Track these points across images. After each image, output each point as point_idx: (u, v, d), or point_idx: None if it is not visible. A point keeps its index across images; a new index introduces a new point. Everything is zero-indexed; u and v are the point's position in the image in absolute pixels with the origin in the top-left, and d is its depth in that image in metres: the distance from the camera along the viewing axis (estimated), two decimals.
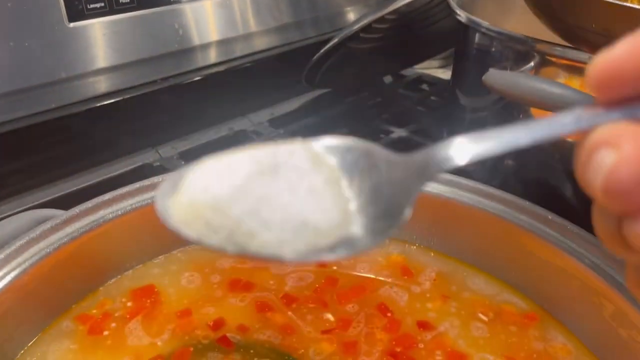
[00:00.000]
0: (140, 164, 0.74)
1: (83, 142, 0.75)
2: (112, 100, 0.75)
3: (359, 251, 0.24)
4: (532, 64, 0.53)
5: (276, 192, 0.25)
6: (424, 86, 0.99)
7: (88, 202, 0.48)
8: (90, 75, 0.73)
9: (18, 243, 0.44)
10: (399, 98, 0.95)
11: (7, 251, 0.43)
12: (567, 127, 0.21)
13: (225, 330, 0.45)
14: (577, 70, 0.50)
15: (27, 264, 0.43)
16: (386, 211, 0.24)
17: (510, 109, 0.61)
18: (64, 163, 0.70)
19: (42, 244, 0.45)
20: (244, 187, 0.25)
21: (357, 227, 0.24)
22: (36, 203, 0.62)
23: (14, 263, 0.43)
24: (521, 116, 0.58)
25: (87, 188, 0.67)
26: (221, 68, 0.86)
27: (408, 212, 0.24)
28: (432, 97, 0.94)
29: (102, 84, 0.75)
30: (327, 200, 0.25)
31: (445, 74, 1.02)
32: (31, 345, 0.43)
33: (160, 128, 0.81)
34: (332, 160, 0.26)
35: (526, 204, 0.48)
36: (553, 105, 0.42)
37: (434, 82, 0.99)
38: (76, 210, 0.47)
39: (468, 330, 0.46)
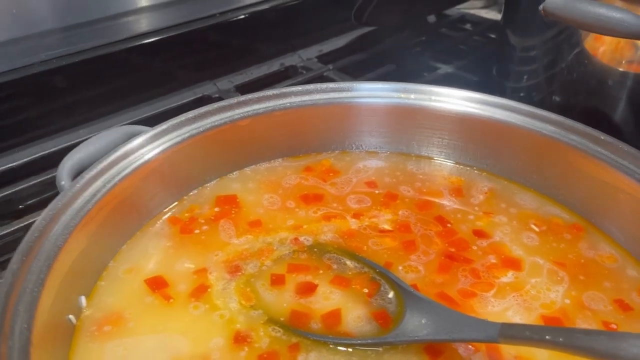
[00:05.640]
0: (200, 95, 0.79)
1: (147, 74, 0.80)
2: (164, 36, 0.80)
3: None
4: None
5: None
6: (467, 25, 1.01)
7: (173, 119, 0.52)
8: (140, 12, 0.77)
9: (114, 155, 0.48)
10: (443, 37, 0.97)
11: (104, 162, 0.47)
12: None
13: (298, 234, 0.50)
14: None
15: (122, 174, 0.48)
16: None
17: (561, 48, 0.63)
18: (138, 91, 0.75)
19: (132, 157, 0.49)
20: None
21: None
22: (117, 125, 0.67)
23: (110, 173, 0.48)
24: (569, 57, 0.61)
25: (158, 114, 0.72)
26: (266, 6, 0.89)
27: None
28: (475, 37, 0.96)
29: (152, 21, 0.79)
30: None
31: (489, 14, 1.04)
32: (125, 246, 0.48)
33: (216, 63, 0.85)
34: None
35: (577, 125, 0.52)
36: (612, 30, 0.45)
37: (478, 21, 1.01)
38: (163, 125, 0.52)
39: (520, 239, 0.50)
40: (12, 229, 0.53)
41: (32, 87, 0.67)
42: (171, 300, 0.44)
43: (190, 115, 0.53)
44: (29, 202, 0.61)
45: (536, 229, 0.51)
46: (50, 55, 0.68)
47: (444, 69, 0.83)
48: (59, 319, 0.40)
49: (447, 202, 0.55)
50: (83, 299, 0.43)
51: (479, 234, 0.51)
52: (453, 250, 0.49)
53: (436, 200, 0.55)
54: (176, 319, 0.43)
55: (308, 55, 0.91)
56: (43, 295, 0.37)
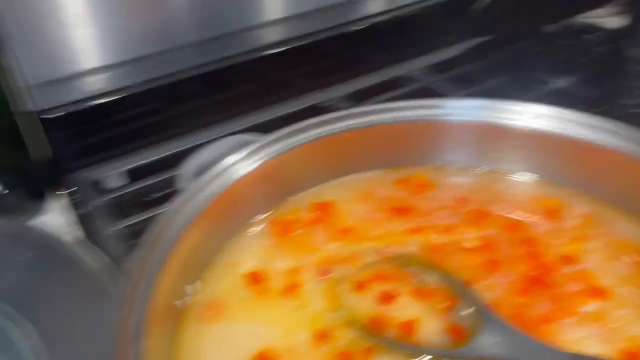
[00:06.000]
0: (312, 103, 0.84)
1: (266, 82, 0.87)
2: (286, 47, 0.86)
3: None
4: None
5: None
6: (588, 36, 0.96)
7: (282, 129, 0.58)
8: (267, 25, 0.84)
9: (228, 161, 0.55)
10: (559, 48, 0.94)
11: (220, 167, 0.54)
12: None
13: (384, 245, 0.53)
14: None
15: (233, 179, 0.54)
16: None
17: None
18: (255, 98, 0.82)
19: (243, 164, 0.55)
20: None
21: None
22: (234, 130, 0.74)
23: (224, 176, 0.54)
24: None
25: (268, 122, 0.79)
26: (385, 17, 0.92)
27: None
28: (595, 49, 0.92)
29: (276, 33, 0.85)
30: None
31: (613, 23, 0.98)
32: (230, 242, 0.54)
33: (330, 72, 0.90)
34: None
35: None
36: None
37: (599, 31, 0.96)
38: (272, 136, 0.57)
39: (612, 268, 0.50)
40: (140, 219, 0.63)
41: (164, 95, 0.76)
42: (265, 295, 0.50)
43: (297, 127, 0.58)
44: (154, 196, 0.70)
45: (632, 259, 0.50)
46: (183, 67, 0.77)
47: (556, 83, 0.81)
48: (170, 302, 0.47)
49: (538, 224, 0.55)
50: (192, 287, 0.50)
51: (567, 259, 0.51)
52: (537, 273, 0.49)
53: (527, 221, 0.55)
54: (268, 311, 0.48)
55: (419, 65, 0.92)
56: (160, 281, 0.44)
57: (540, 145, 0.58)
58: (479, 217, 0.56)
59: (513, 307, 0.47)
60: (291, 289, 0.50)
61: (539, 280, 0.49)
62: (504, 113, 0.58)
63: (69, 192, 0.68)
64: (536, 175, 0.59)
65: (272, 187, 0.58)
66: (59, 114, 0.70)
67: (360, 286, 0.49)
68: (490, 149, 0.60)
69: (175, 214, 0.49)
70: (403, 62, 0.92)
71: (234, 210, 0.55)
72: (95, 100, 0.73)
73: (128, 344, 0.39)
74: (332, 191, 0.60)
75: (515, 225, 0.55)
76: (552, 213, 0.56)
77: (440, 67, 0.91)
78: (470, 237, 0.54)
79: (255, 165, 0.55)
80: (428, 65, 0.92)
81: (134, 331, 0.40)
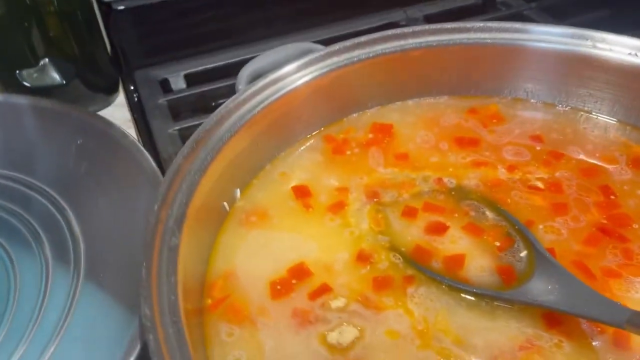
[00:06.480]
0: (387, 21, 0.79)
1: None
2: None
3: None
4: None
5: None
6: None
7: (346, 41, 0.54)
8: None
9: (286, 67, 0.52)
10: None
11: (277, 73, 0.51)
12: None
13: (442, 175, 0.50)
14: None
15: (290, 87, 0.51)
16: None
17: None
18: (324, 12, 0.78)
19: (302, 72, 0.53)
20: None
21: None
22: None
23: (281, 84, 0.51)
24: None
25: (341, 37, 0.75)
26: None
27: None
28: None
29: None
30: None
31: None
32: (283, 153, 0.53)
33: None
34: None
35: None
36: None
37: None
38: (336, 46, 0.54)
39: None
40: (195, 123, 0.61)
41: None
42: (310, 209, 0.48)
43: (363, 40, 0.54)
44: (219, 101, 0.68)
45: None
46: None
47: None
48: (215, 203, 0.46)
49: (620, 172, 0.49)
50: (238, 191, 0.49)
51: None
52: (609, 224, 0.45)
53: (607, 167, 0.49)
54: (312, 226, 0.47)
55: None
56: (203, 180, 0.43)
57: (634, 86, 0.51)
58: (553, 157, 0.51)
59: (575, 255, 0.43)
60: (337, 207, 0.48)
61: (611, 231, 0.44)
62: (597, 44, 0.51)
63: (131, 89, 0.68)
64: (624, 119, 0.53)
65: (331, 102, 0.55)
66: (130, 7, 0.69)
67: (410, 213, 0.46)
68: (575, 84, 0.53)
69: (224, 119, 0.47)
70: None
71: (288, 120, 0.53)
72: None
73: (164, 238, 0.38)
74: (394, 114, 0.56)
75: (593, 170, 0.49)
76: (638, 162, 0.49)
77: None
78: (539, 177, 0.49)
79: (314, 75, 0.52)
80: None
81: (172, 226, 0.39)
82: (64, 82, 0.65)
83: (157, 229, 0.38)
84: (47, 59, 0.64)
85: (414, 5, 0.81)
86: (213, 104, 0.68)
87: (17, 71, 0.63)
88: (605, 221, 0.45)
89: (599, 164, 0.50)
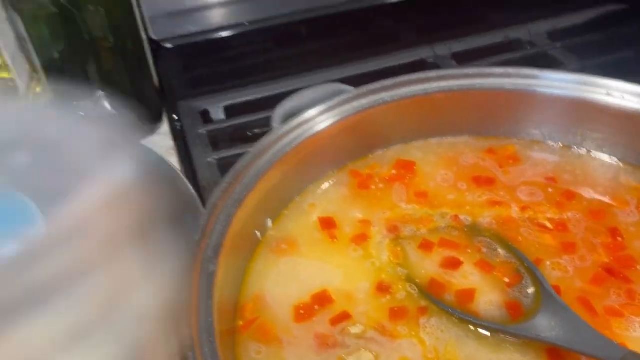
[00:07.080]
0: (416, 58, 0.83)
1: (371, 34, 0.86)
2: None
3: None
4: None
5: None
6: None
7: (373, 84, 0.58)
8: None
9: (318, 108, 0.57)
10: None
11: (309, 113, 0.56)
12: None
13: (459, 212, 0.53)
14: None
15: (321, 126, 0.56)
16: None
17: None
18: (356, 48, 0.83)
19: (333, 112, 0.57)
20: None
21: None
22: (330, 79, 0.76)
23: (312, 123, 0.56)
24: None
25: (371, 73, 0.79)
26: None
27: None
28: None
29: None
30: None
31: None
32: (311, 187, 0.57)
33: (439, 28, 0.88)
34: None
35: None
36: None
37: None
38: (363, 89, 0.58)
39: None
40: (233, 153, 0.67)
41: (274, 36, 0.79)
42: (335, 240, 0.52)
43: (388, 83, 0.58)
44: (255, 131, 0.73)
45: None
46: (296, 8, 0.79)
47: None
48: (248, 232, 0.51)
49: (629, 214, 0.52)
50: (269, 221, 0.53)
51: None
52: (615, 265, 0.47)
53: (617, 209, 0.52)
54: (336, 256, 0.51)
55: (538, 29, 0.87)
56: (239, 212, 0.48)
57: None
58: (566, 198, 0.54)
59: (580, 292, 0.46)
60: (360, 239, 0.52)
61: (616, 272, 0.47)
62: (603, 90, 0.54)
63: (175, 119, 0.74)
64: (634, 162, 0.55)
65: (358, 139, 0.59)
66: (175, 45, 0.75)
67: (427, 247, 0.50)
68: (585, 128, 0.57)
69: (259, 155, 0.52)
70: (519, 25, 0.87)
71: (317, 157, 0.57)
72: (209, 34, 0.77)
73: (203, 265, 0.43)
74: (417, 151, 0.60)
75: (602, 211, 0.52)
76: None
77: (560, 34, 0.85)
78: (551, 217, 0.52)
79: (342, 116, 0.57)
80: (548, 30, 0.86)
81: (210, 255, 0.44)
82: (115, 112, 0.71)
83: (197, 257, 0.43)
84: (101, 91, 0.70)
85: (442, 43, 0.85)
86: (249, 134, 0.73)
87: (75, 102, 0.70)
88: (611, 262, 0.48)
89: (609, 204, 0.53)
